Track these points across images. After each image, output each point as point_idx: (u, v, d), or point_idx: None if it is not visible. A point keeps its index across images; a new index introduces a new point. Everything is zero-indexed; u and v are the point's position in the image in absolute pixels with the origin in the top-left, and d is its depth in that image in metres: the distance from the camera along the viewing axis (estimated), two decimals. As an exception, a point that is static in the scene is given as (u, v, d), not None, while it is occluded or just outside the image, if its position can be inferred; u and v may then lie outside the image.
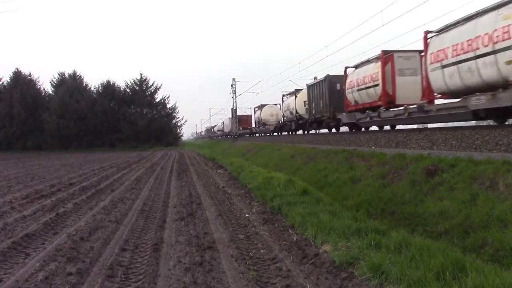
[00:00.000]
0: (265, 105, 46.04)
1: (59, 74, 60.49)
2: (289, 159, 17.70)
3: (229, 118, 61.54)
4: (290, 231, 6.07)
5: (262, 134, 48.54)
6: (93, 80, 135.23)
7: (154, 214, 8.05)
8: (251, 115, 59.18)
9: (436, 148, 10.15)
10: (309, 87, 27.27)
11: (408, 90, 16.73)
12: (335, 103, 22.67)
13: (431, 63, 12.71)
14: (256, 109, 49.99)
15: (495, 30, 9.91)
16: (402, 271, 3.75)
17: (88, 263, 4.91)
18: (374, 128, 20.22)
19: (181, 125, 64.15)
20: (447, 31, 12.30)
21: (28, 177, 16.27)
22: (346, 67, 21.04)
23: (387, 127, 19.07)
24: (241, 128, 54.89)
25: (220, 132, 78.13)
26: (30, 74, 59.81)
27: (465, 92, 11.37)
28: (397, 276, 3.73)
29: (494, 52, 9.96)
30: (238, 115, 55.31)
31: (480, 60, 10.44)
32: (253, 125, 54.49)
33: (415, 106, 14.36)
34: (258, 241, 5.81)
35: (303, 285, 4.06)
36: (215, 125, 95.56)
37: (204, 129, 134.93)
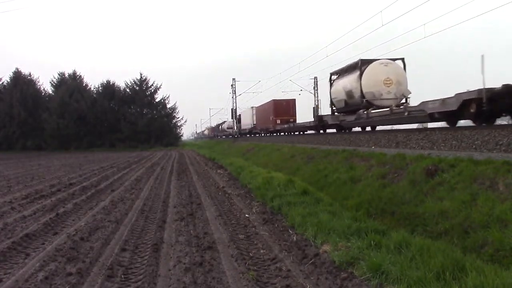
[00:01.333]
0: (368, 61, 19.32)
1: (59, 74, 60.59)
2: (289, 159, 17.70)
3: (251, 107, 48.52)
4: (290, 231, 6.07)
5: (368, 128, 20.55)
6: (93, 80, 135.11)
7: (154, 214, 8.05)
8: (294, 100, 39.20)
9: (436, 148, 10.15)
10: None
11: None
12: None
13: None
14: (335, 77, 22.72)
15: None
16: (402, 271, 3.75)
17: (88, 263, 4.91)
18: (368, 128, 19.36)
19: (181, 125, 64.14)
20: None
21: (28, 177, 16.27)
22: None
23: (387, 127, 18.79)
24: (278, 121, 36.64)
25: (231, 130, 61.56)
26: (30, 74, 59.99)
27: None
28: (397, 276, 3.73)
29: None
30: (274, 100, 38.70)
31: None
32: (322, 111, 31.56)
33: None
34: (258, 241, 5.81)
35: (303, 285, 4.06)
36: (224, 122, 75.79)
37: (205, 128, 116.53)
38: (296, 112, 38.42)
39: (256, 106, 46.88)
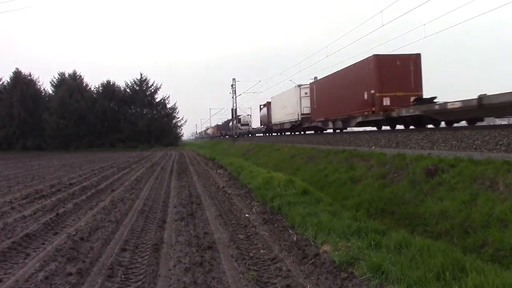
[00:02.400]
0: None
1: (59, 74, 60.69)
2: (289, 159, 17.70)
3: (298, 86, 28.50)
4: (290, 231, 6.07)
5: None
6: (93, 80, 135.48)
7: (154, 214, 8.05)
8: (418, 55, 16.81)
9: (436, 148, 10.15)
10: None
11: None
12: None
13: None
14: None
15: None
16: (402, 271, 3.75)
17: (88, 263, 4.91)
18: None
19: (181, 125, 64.19)
20: None
21: (28, 177, 16.26)
22: None
23: (387, 127, 18.71)
24: (387, 102, 16.55)
25: (247, 126, 49.88)
26: (30, 74, 60.02)
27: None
28: (397, 276, 3.73)
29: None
30: (378, 57, 15.40)
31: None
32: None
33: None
34: (258, 241, 5.81)
35: (303, 285, 4.06)
36: (239, 116, 56.69)
37: (208, 127, 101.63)
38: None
39: (318, 78, 26.54)
